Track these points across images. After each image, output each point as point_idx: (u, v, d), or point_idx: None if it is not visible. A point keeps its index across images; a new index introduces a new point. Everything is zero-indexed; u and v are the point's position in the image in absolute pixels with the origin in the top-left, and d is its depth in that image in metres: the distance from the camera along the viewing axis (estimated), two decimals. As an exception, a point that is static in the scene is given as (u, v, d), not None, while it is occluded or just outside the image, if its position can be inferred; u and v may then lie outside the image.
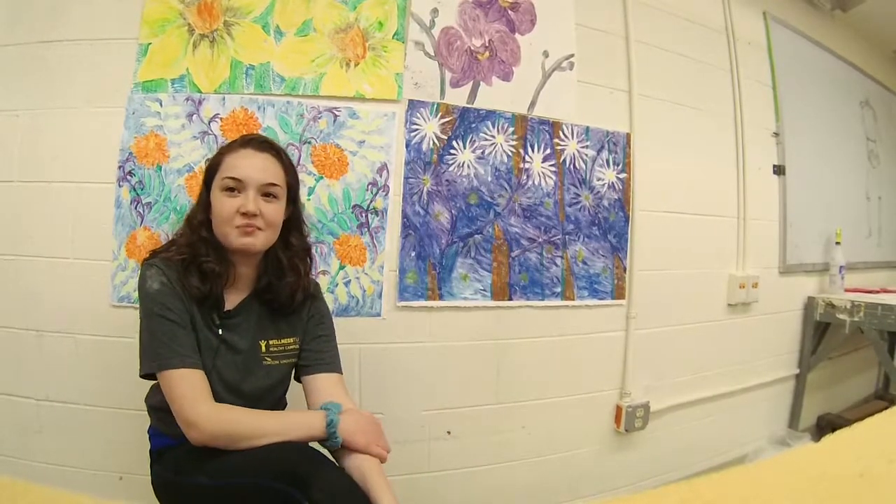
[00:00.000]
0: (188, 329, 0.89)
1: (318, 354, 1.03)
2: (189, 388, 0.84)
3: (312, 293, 1.05)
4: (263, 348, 0.98)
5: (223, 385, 0.93)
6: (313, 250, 1.33)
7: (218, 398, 0.90)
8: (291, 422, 0.88)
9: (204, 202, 0.96)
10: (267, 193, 0.93)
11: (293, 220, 1.01)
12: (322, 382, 1.00)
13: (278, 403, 1.05)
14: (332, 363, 1.04)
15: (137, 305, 0.92)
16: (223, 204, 0.91)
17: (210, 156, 1.00)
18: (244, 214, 0.90)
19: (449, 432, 1.50)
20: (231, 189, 0.91)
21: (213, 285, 0.91)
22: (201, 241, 0.92)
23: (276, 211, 0.95)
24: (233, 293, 0.97)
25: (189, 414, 0.83)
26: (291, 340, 1.01)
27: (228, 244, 0.92)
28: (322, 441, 0.89)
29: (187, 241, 0.93)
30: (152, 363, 0.86)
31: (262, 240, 0.94)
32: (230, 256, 0.95)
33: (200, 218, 0.95)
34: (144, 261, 0.93)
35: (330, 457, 0.87)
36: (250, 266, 0.98)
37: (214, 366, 0.92)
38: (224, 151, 0.96)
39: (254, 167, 0.92)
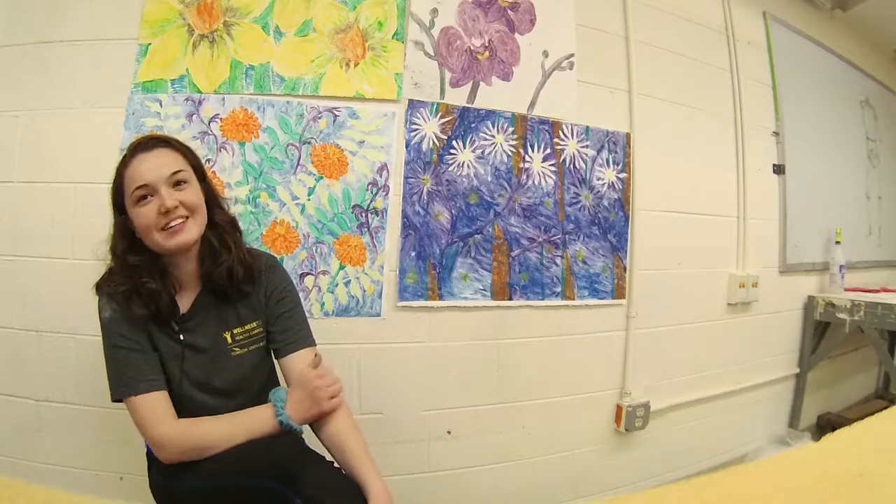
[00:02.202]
0: (144, 351, 0.89)
1: (285, 334, 1.01)
2: (149, 412, 0.86)
3: (265, 266, 1.02)
4: (229, 339, 0.97)
5: (196, 387, 0.93)
6: (314, 251, 1.35)
7: (195, 401, 0.91)
8: (244, 423, 0.88)
9: (121, 228, 0.92)
10: (176, 182, 0.91)
11: (210, 198, 0.98)
12: (295, 362, 0.99)
13: (265, 389, 1.02)
14: (300, 339, 1.01)
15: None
16: (142, 214, 0.88)
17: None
18: (166, 213, 0.88)
19: (449, 432, 1.50)
20: (143, 197, 0.88)
21: (158, 304, 0.90)
22: (132, 269, 0.90)
23: (193, 195, 0.92)
24: (184, 294, 0.96)
25: (153, 436, 0.85)
26: (255, 325, 1.00)
27: (163, 249, 0.90)
28: (286, 434, 0.90)
29: (119, 271, 0.91)
30: (115, 392, 0.88)
31: (195, 229, 0.92)
32: (168, 263, 0.93)
33: (122, 246, 0.91)
34: (96, 292, 0.92)
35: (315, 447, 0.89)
36: (191, 261, 0.96)
37: (183, 371, 0.92)
38: (120, 169, 0.92)
39: (152, 167, 0.90)
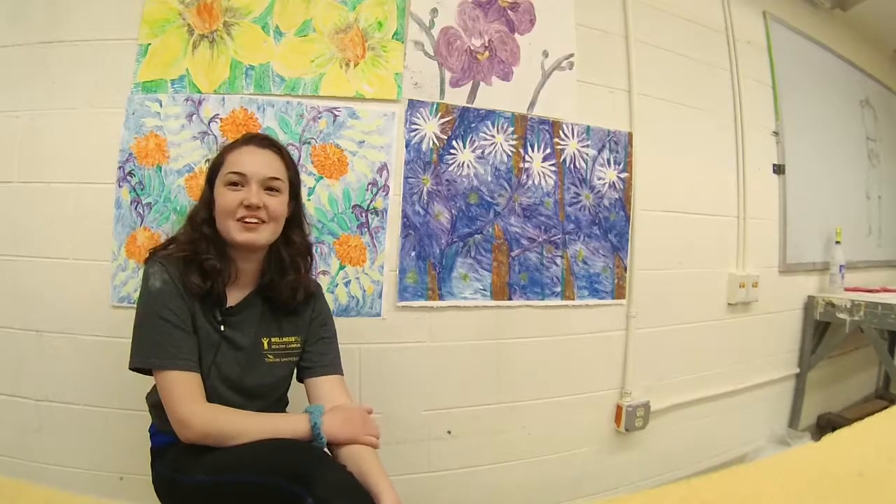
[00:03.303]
0: (187, 330, 0.90)
1: (321, 357, 1.04)
2: (183, 389, 0.86)
3: (314, 292, 1.06)
4: (266, 345, 0.99)
5: (223, 381, 0.93)
6: (314, 250, 1.35)
7: (218, 394, 0.92)
8: (277, 424, 0.89)
9: (207, 200, 0.97)
10: (270, 188, 0.95)
11: (295, 218, 1.03)
12: (324, 384, 1.02)
13: (279, 402, 1.05)
14: (333, 365, 1.05)
15: (137, 304, 0.92)
16: (226, 197, 0.92)
17: (211, 156, 1.02)
18: (248, 207, 0.91)
19: (449, 432, 1.50)
20: (234, 184, 0.93)
21: (214, 282, 0.92)
22: (202, 239, 0.93)
23: (279, 204, 0.96)
24: (235, 290, 0.98)
25: (182, 414, 0.85)
26: (293, 339, 1.02)
27: (231, 238, 0.93)
28: (309, 442, 0.90)
29: (188, 238, 0.94)
30: (148, 360, 0.88)
31: (266, 234, 0.95)
32: (232, 253, 0.96)
33: (203, 215, 0.96)
34: (147, 259, 0.94)
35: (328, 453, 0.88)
36: (253, 262, 0.99)
37: (215, 362, 0.93)
38: (227, 150, 0.98)
39: (256, 162, 0.95)
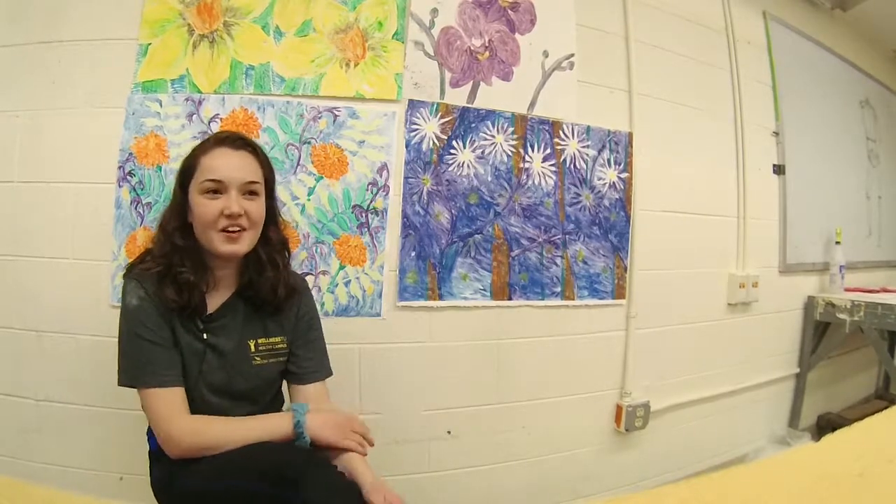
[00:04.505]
0: (166, 346, 0.89)
1: (309, 361, 1.03)
2: (164, 405, 0.86)
3: (299, 289, 1.04)
4: (252, 348, 0.97)
5: (211, 389, 0.93)
6: (314, 251, 1.36)
7: (208, 403, 0.91)
8: (261, 426, 0.88)
9: (178, 206, 0.93)
10: (248, 192, 0.92)
11: (270, 214, 0.99)
12: (314, 390, 1.02)
13: (273, 403, 1.04)
14: (320, 369, 1.05)
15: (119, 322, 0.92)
16: (205, 207, 0.89)
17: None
18: (229, 216, 0.88)
19: (449, 432, 1.50)
20: (212, 191, 0.89)
21: (191, 295, 0.89)
22: (175, 250, 0.90)
23: (259, 207, 0.94)
24: (215, 295, 0.96)
25: (165, 430, 0.85)
26: (279, 339, 1.01)
27: (214, 250, 0.90)
28: (293, 441, 0.89)
29: (161, 252, 0.91)
30: (131, 380, 0.88)
31: (248, 241, 0.93)
32: (209, 261, 0.93)
33: (175, 224, 0.92)
34: (125, 274, 0.92)
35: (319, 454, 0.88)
36: (231, 266, 0.96)
37: (202, 371, 0.92)
38: (198, 152, 0.92)
39: (233, 167, 0.90)
